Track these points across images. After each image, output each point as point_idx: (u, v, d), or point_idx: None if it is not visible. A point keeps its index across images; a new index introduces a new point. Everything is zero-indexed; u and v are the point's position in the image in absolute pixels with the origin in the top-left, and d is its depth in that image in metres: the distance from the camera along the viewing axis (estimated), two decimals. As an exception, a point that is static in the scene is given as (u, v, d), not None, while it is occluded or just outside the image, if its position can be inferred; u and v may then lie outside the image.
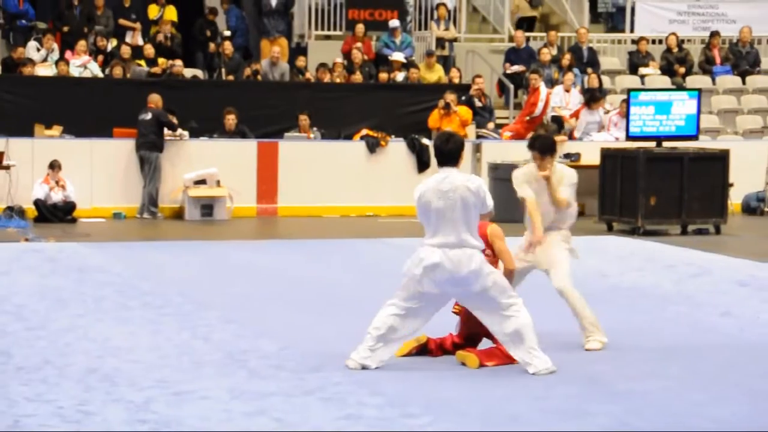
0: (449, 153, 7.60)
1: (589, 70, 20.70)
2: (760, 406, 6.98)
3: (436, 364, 7.91)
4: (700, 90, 17.33)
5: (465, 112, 18.86)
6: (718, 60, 21.92)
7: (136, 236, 15.26)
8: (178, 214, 17.28)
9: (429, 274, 7.52)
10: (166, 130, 17.29)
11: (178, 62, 19.01)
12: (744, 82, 21.83)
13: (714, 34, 21.98)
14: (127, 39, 20.05)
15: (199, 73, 20.09)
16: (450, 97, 18.62)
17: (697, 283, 11.50)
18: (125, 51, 19.16)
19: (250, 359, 7.94)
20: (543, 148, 8.39)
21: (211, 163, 17.37)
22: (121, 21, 20.25)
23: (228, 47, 19.80)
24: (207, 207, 17.15)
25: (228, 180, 17.28)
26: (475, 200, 7.55)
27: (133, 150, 17.17)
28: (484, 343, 8.05)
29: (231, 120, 17.86)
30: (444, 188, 7.52)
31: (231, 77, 19.50)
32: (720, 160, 16.18)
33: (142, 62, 19.27)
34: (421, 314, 7.70)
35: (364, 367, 7.63)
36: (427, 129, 18.83)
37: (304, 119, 18.26)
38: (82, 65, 18.61)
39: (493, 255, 8.02)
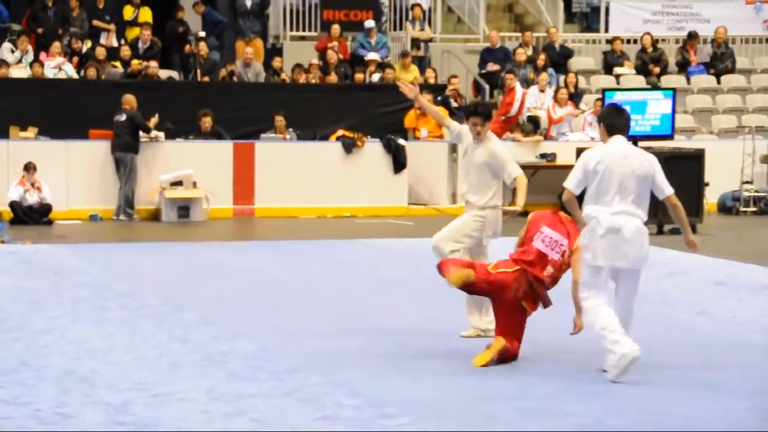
0: (622, 125, 7.68)
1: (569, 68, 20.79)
2: (735, 404, 7.03)
3: (413, 365, 7.92)
4: (674, 90, 17.42)
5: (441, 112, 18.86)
6: (694, 60, 22.00)
7: (113, 238, 15.22)
8: (154, 216, 17.23)
9: (605, 243, 7.41)
10: (141, 132, 17.24)
11: (153, 63, 18.96)
12: (719, 82, 21.95)
13: (692, 35, 22.07)
14: (102, 40, 19.98)
15: (175, 74, 20.03)
16: (426, 97, 18.62)
17: (673, 283, 11.55)
18: (100, 52, 19.10)
19: (228, 360, 7.94)
20: (486, 113, 8.78)
21: (187, 164, 17.33)
22: (96, 22, 20.17)
23: (203, 48, 19.76)
24: (183, 208, 17.10)
25: (204, 181, 17.25)
26: (650, 175, 7.53)
27: (109, 151, 17.11)
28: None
29: (207, 121, 17.83)
30: (622, 153, 7.53)
31: (206, 78, 19.46)
32: (695, 159, 16.25)
33: (117, 63, 19.21)
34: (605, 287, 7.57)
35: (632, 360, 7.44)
36: (403, 129, 18.86)
37: (279, 120, 18.25)
38: (57, 67, 18.53)
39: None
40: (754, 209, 18.76)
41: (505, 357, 7.92)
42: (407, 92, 9.14)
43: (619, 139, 7.62)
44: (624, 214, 7.47)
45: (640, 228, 7.51)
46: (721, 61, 21.99)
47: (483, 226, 8.76)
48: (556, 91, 19.42)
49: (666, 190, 7.61)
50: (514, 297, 7.97)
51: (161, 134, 17.57)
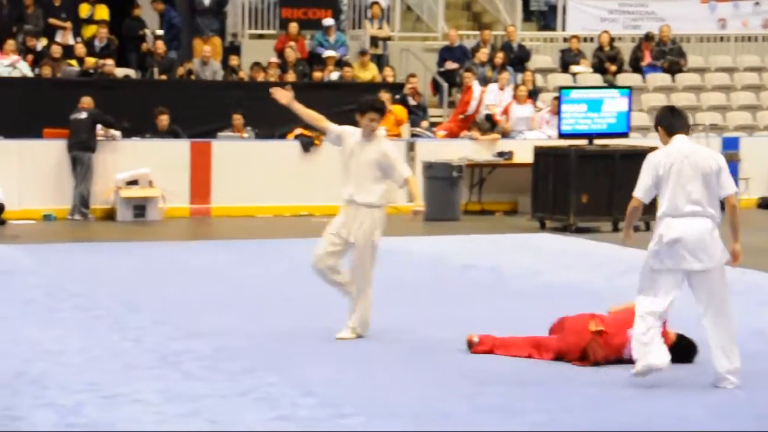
0: (682, 124, 7.55)
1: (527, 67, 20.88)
2: (687, 400, 7.08)
3: (369, 364, 7.91)
4: (630, 88, 17.52)
5: (400, 110, 18.88)
6: (648, 58, 22.15)
7: (67, 238, 15.07)
8: (109, 215, 17.09)
9: (672, 249, 7.27)
10: (98, 130, 17.09)
11: (110, 61, 18.81)
12: (673, 80, 22.12)
13: (649, 36, 22.20)
14: (58, 38, 19.79)
15: (131, 72, 19.89)
16: (385, 96, 18.62)
17: (628, 280, 11.57)
18: (55, 50, 18.92)
19: (183, 361, 7.89)
20: (383, 109, 8.88)
21: (144, 163, 17.20)
22: (51, 20, 19.98)
23: (160, 46, 19.63)
24: (139, 208, 16.98)
25: (161, 180, 17.13)
26: (714, 172, 7.33)
27: (64, 150, 16.94)
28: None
29: (164, 120, 17.71)
30: (684, 153, 7.37)
31: (164, 77, 19.34)
32: None
33: (73, 62, 19.05)
34: (671, 292, 7.36)
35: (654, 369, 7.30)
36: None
37: (237, 118, 18.16)
38: (11, 65, 18.33)
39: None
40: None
41: None
42: (281, 98, 8.96)
43: (680, 139, 7.47)
44: (691, 216, 7.30)
45: (706, 228, 7.30)
46: (669, 58, 22.11)
47: (373, 226, 8.61)
48: (516, 89, 19.47)
49: (728, 189, 7.40)
50: (584, 351, 7.93)
51: (118, 133, 17.44)
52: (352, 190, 8.68)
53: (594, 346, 7.90)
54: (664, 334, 7.78)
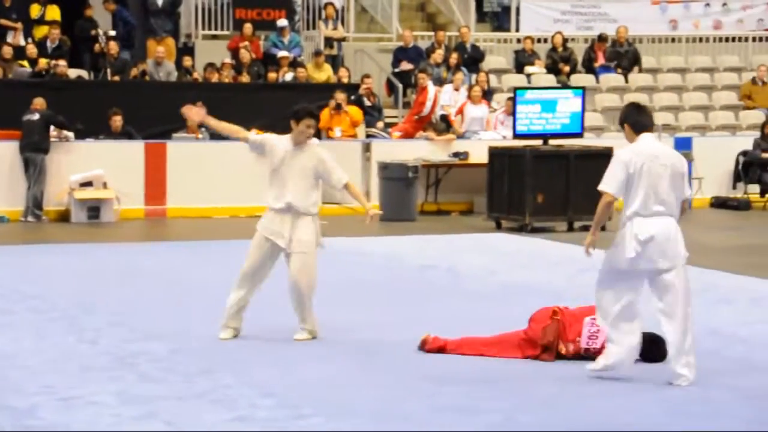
0: (649, 122, 7.59)
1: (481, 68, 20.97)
2: (643, 395, 7.14)
3: (328, 365, 7.91)
4: (584, 88, 17.63)
5: (355, 111, 18.89)
6: (601, 59, 22.31)
7: (20, 240, 14.94)
8: (63, 217, 16.96)
9: (646, 249, 7.29)
10: (51, 131, 16.95)
11: (62, 62, 18.65)
12: (626, 81, 22.30)
13: (602, 37, 22.36)
14: (8, 39, 19.60)
15: (84, 73, 19.74)
16: (340, 96, 18.64)
17: (583, 279, 11.66)
18: (7, 51, 18.74)
19: (140, 363, 7.85)
20: (318, 116, 8.70)
21: (98, 164, 17.09)
22: (2, 21, 19.79)
23: (113, 47, 19.50)
24: (93, 209, 16.85)
25: (115, 182, 17.02)
26: (680, 173, 7.40)
27: (16, 151, 16.79)
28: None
29: (117, 121, 17.59)
30: (653, 153, 7.41)
31: (117, 78, 19.22)
32: (604, 157, 16.25)
33: (25, 63, 18.88)
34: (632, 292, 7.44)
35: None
36: (317, 129, 18.79)
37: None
38: (-38, 66, 18.16)
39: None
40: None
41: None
42: (193, 116, 8.87)
43: (647, 138, 7.51)
44: (658, 216, 7.35)
45: (673, 227, 7.37)
46: (624, 59, 22.29)
47: (317, 232, 8.58)
48: (470, 90, 19.54)
49: (687, 193, 7.52)
50: (539, 337, 7.97)
51: (71, 134, 17.30)
52: (290, 199, 8.50)
53: (549, 328, 7.94)
54: None
